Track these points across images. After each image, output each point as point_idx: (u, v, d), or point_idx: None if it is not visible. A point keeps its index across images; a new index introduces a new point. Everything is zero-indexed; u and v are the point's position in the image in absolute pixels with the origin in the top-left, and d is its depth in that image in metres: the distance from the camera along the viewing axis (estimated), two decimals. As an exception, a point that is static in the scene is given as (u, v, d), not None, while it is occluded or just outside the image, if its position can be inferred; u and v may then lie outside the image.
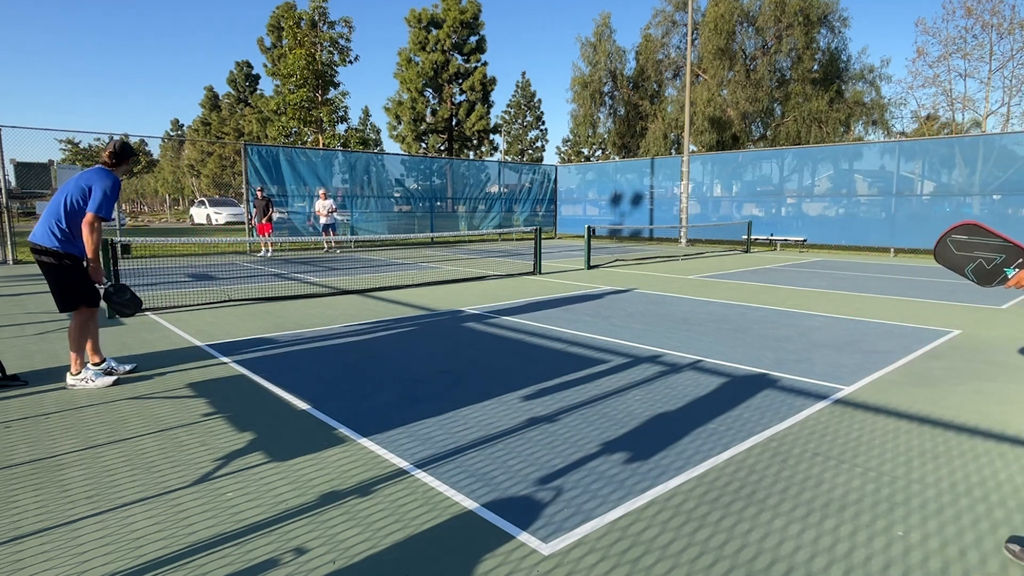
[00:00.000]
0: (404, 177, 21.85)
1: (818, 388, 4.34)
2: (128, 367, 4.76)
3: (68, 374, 4.41)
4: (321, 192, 16.60)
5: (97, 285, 4.48)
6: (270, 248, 16.52)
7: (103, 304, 4.85)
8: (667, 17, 31.80)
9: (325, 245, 17.57)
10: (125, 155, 4.49)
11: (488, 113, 34.30)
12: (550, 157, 73.93)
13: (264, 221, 15.36)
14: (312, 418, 3.72)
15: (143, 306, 4.96)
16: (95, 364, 4.63)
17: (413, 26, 32.80)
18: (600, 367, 4.89)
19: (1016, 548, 2.24)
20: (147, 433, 3.49)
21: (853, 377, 4.61)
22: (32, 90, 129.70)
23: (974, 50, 27.81)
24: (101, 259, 4.75)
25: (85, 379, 4.37)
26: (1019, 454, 3.20)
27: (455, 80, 33.59)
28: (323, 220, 16.39)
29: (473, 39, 33.32)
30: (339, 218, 18.01)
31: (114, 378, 4.49)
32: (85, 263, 4.42)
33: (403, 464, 3.07)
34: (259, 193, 15.71)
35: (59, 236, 4.25)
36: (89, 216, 4.20)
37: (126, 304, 4.75)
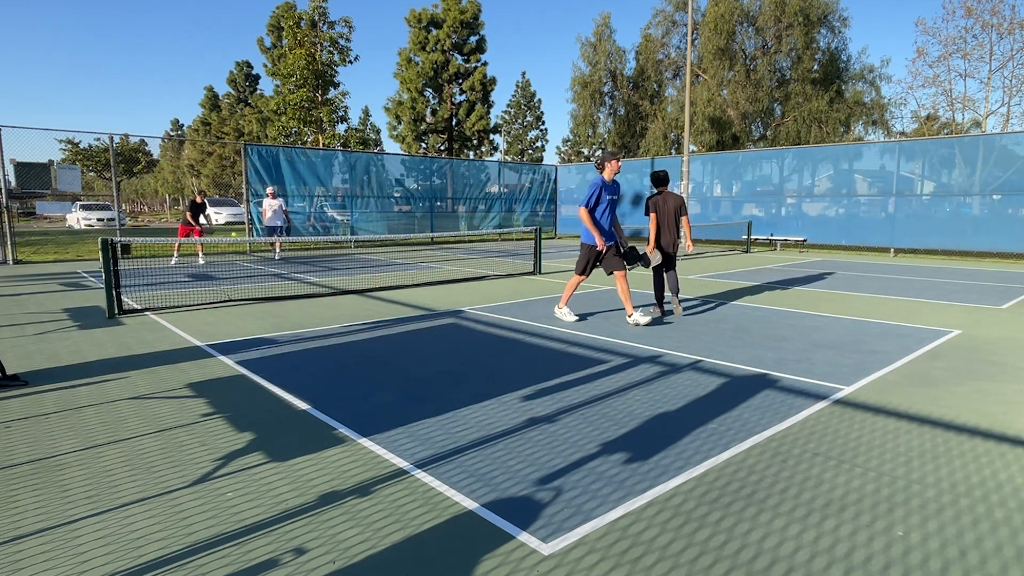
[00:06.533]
0: (404, 177, 21.84)
1: (818, 388, 4.34)
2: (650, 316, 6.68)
3: (635, 313, 6.55)
4: (269, 191, 14.84)
5: (599, 248, 6.43)
6: (201, 254, 14.41)
7: (103, 305, 4.86)
8: (667, 17, 31.84)
9: (272, 250, 15.61)
10: (603, 161, 6.44)
11: (488, 113, 34.31)
12: (550, 157, 74.01)
13: (186, 223, 13.36)
14: (312, 418, 3.72)
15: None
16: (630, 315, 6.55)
17: (413, 26, 32.81)
18: (600, 367, 4.89)
19: None
20: (147, 433, 3.49)
21: (853, 377, 4.61)
22: (32, 90, 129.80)
23: (974, 50, 27.79)
24: (596, 233, 6.45)
25: (636, 319, 6.51)
26: (1019, 454, 3.20)
27: (455, 80, 33.59)
28: (267, 222, 14.56)
29: (473, 39, 33.34)
30: (282, 223, 15.24)
31: (650, 317, 6.57)
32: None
33: (403, 464, 3.06)
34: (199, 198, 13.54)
35: (584, 232, 6.57)
36: (580, 208, 6.44)
37: (638, 259, 6.90)
